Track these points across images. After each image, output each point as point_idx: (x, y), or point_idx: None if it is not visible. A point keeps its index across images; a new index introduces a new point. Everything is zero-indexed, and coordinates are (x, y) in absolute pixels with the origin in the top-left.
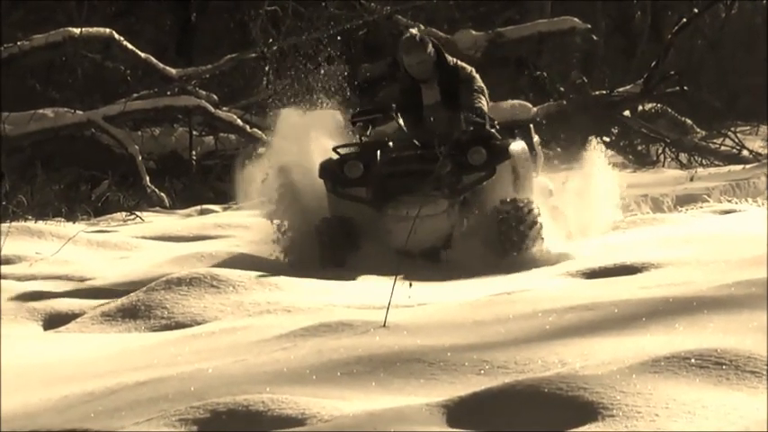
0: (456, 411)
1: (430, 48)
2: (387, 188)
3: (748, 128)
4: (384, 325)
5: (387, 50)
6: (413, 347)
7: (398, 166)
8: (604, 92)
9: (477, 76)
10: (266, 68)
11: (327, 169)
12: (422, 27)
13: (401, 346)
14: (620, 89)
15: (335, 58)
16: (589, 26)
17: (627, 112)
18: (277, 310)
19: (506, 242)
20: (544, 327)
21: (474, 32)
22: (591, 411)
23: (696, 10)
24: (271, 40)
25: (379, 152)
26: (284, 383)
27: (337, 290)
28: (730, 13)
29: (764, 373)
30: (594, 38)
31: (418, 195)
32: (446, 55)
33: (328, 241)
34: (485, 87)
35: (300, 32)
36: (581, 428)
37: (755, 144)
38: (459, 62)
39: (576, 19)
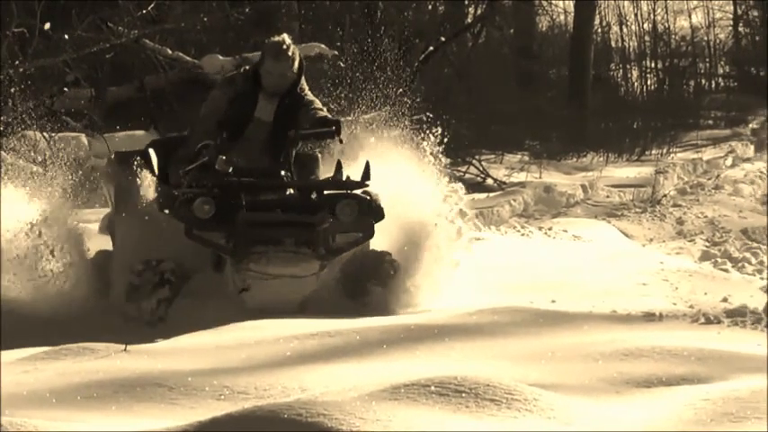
0: None
1: (296, 64)
2: (249, 238)
3: (493, 156)
4: (125, 349)
5: (134, 74)
6: (154, 372)
7: (262, 213)
8: (349, 118)
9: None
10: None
11: (172, 203)
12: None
13: (142, 370)
14: (366, 115)
15: (81, 80)
16: (336, 53)
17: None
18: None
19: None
20: (286, 353)
21: (221, 57)
22: None
23: (443, 38)
24: (17, 62)
25: (242, 195)
26: (23, 406)
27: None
28: (477, 42)
29: (503, 400)
30: (342, 64)
31: (287, 252)
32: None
33: (150, 290)
34: None
35: (48, 55)
36: None
37: (500, 173)
38: (305, 89)
39: (323, 45)
